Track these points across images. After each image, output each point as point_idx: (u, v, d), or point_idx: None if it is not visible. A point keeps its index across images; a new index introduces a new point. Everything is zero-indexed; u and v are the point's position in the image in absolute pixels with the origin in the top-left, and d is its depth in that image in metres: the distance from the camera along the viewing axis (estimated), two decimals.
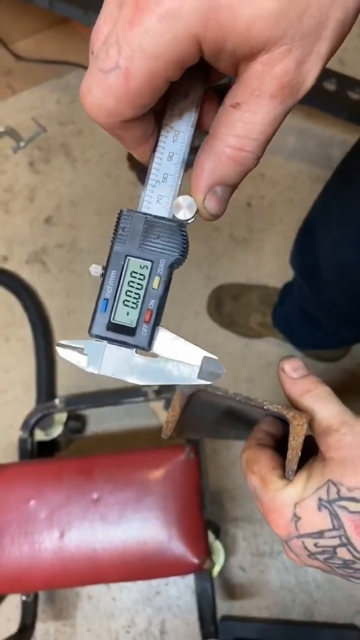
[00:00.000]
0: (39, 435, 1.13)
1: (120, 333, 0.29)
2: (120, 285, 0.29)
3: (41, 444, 1.14)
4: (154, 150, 0.29)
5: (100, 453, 0.94)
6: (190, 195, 0.28)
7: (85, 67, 1.50)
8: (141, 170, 1.44)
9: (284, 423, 0.36)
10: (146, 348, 0.29)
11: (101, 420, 1.27)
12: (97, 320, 0.29)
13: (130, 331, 0.29)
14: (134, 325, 0.29)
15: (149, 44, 0.23)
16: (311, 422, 0.35)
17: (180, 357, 0.29)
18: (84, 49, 1.57)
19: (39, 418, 1.10)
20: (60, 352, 0.30)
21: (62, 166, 1.48)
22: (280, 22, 0.23)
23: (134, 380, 0.29)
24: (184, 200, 0.28)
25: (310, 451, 0.36)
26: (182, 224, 0.29)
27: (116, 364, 0.29)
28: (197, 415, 0.40)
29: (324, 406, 0.35)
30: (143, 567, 0.85)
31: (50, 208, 1.45)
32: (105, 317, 0.29)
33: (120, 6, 0.25)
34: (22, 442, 1.12)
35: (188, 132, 0.29)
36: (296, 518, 0.34)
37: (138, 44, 0.23)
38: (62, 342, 0.30)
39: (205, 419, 0.43)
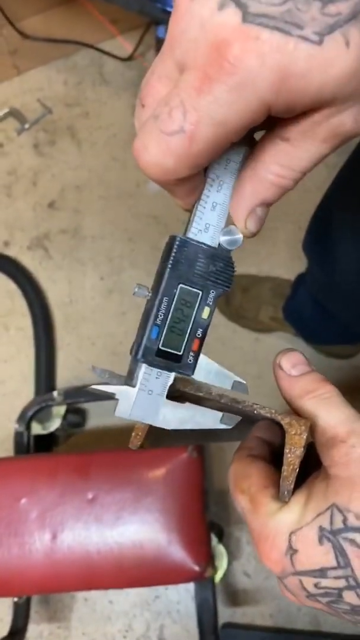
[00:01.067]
0: (36, 429, 1.08)
1: (166, 359, 0.30)
2: (170, 312, 0.29)
3: (38, 437, 1.09)
4: (198, 198, 0.29)
5: (98, 449, 0.89)
6: (231, 217, 0.29)
7: (92, 47, 1.44)
8: None
9: (282, 429, 0.31)
10: (190, 374, 0.30)
11: (102, 415, 1.22)
12: (147, 347, 0.29)
13: (176, 358, 0.30)
14: (180, 353, 0.30)
15: (218, 112, 0.23)
16: (313, 430, 0.30)
17: (214, 382, 0.31)
18: (92, 28, 1.52)
19: (37, 411, 1.05)
20: (94, 392, 0.32)
21: (68, 149, 1.42)
22: (350, 83, 0.23)
23: (162, 425, 0.30)
24: (230, 230, 0.29)
25: (314, 464, 0.30)
26: (229, 254, 0.30)
27: (146, 408, 0.30)
28: None
29: (329, 411, 0.29)
30: (139, 573, 0.79)
31: (54, 192, 1.39)
32: (155, 343, 0.29)
33: (181, 69, 0.24)
34: (18, 436, 1.07)
35: (232, 182, 0.29)
36: (292, 551, 0.28)
37: (206, 110, 0.23)
38: (94, 386, 0.30)
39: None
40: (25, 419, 1.05)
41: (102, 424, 1.22)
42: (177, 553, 0.80)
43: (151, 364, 0.30)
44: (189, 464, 0.85)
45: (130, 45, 1.46)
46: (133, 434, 0.32)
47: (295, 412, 0.31)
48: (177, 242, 0.29)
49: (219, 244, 0.30)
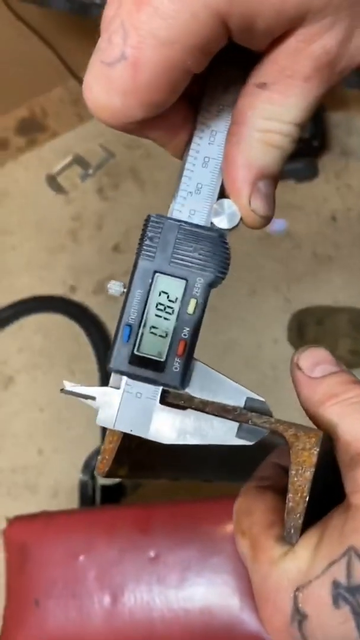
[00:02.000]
0: (102, 480, 1.03)
1: (147, 368, 0.24)
2: (146, 308, 0.24)
3: (105, 488, 1.04)
4: (185, 152, 0.24)
5: (160, 501, 0.82)
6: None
7: None
8: None
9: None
10: (178, 387, 0.24)
11: None
12: (118, 352, 0.24)
13: (158, 366, 0.24)
14: (163, 359, 0.24)
15: (162, 27, 0.19)
16: (334, 446, 0.23)
17: (218, 397, 0.24)
18: None
19: None
20: (69, 394, 0.26)
21: (131, 190, 1.42)
22: None
23: (155, 438, 0.24)
24: (225, 205, 0.24)
25: (342, 495, 0.23)
26: (223, 234, 0.24)
27: (135, 416, 0.24)
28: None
29: (356, 419, 0.22)
30: None
31: (118, 235, 1.39)
32: (128, 347, 0.24)
33: None
34: (82, 486, 1.02)
35: (227, 132, 0.24)
36: (299, 616, 0.21)
37: (148, 28, 0.19)
38: (67, 387, 0.25)
39: (180, 449, 0.31)
40: (90, 467, 1.01)
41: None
42: (251, 621, 0.71)
43: (127, 374, 0.24)
44: None
45: None
46: (99, 457, 0.26)
47: (316, 424, 0.24)
48: (150, 222, 0.24)
49: (212, 223, 0.24)
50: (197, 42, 0.20)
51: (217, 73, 0.24)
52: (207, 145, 0.24)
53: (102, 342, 1.27)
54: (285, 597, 0.21)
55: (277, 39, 0.21)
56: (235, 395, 0.24)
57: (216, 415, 0.24)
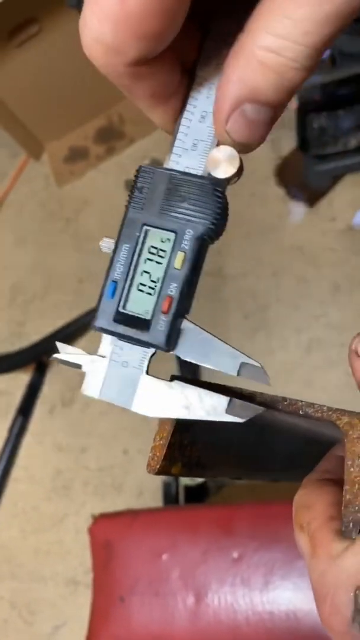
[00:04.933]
0: (185, 480, 1.03)
1: (132, 327, 0.23)
2: (134, 263, 0.23)
3: (189, 489, 1.04)
4: (182, 109, 0.23)
5: (244, 501, 0.81)
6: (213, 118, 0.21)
7: None
8: (292, 185, 1.32)
9: None
10: (163, 347, 0.22)
11: None
12: (103, 309, 0.23)
13: (144, 325, 0.22)
14: (149, 317, 0.22)
15: None
16: None
17: (210, 362, 0.22)
18: None
19: None
20: (58, 361, 0.24)
21: None
22: None
23: (141, 410, 0.23)
24: (221, 151, 0.21)
25: None
26: (218, 183, 0.22)
27: (121, 387, 0.23)
28: (222, 439, 0.28)
29: None
30: None
31: None
32: (113, 305, 0.23)
33: None
34: (166, 487, 1.03)
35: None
36: None
37: None
38: (57, 355, 0.24)
39: (239, 445, 0.30)
40: None
41: None
42: None
43: (110, 332, 0.23)
44: None
45: None
46: (150, 454, 0.25)
47: None
48: (141, 172, 0.22)
49: (209, 174, 0.22)
50: None
51: (215, 28, 0.22)
52: (205, 99, 0.22)
53: None
54: (345, 596, 0.20)
55: None
56: (228, 358, 0.22)
57: (267, 407, 0.23)
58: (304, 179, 1.24)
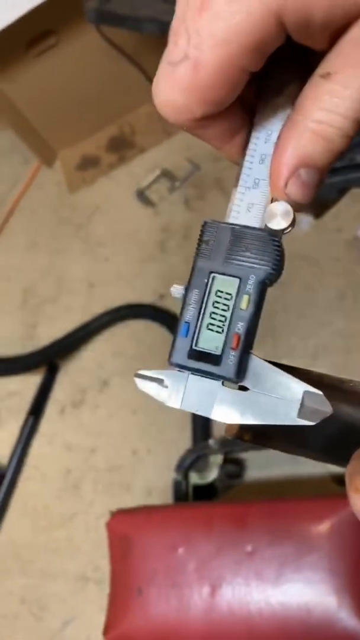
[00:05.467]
0: (194, 479, 1.06)
1: (205, 362, 0.25)
2: (203, 306, 0.26)
3: (198, 488, 1.07)
4: (243, 152, 0.26)
5: (256, 499, 0.84)
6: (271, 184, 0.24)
7: None
8: None
9: None
10: (233, 379, 0.25)
11: (262, 466, 1.16)
12: (178, 347, 0.26)
13: (215, 359, 0.25)
14: (219, 353, 0.25)
15: (219, 28, 0.20)
16: None
17: (276, 392, 0.25)
18: None
19: (193, 460, 1.03)
20: (139, 384, 0.27)
21: (216, 200, 1.46)
22: None
23: (219, 417, 0.25)
24: (278, 206, 0.25)
25: None
26: (274, 234, 0.25)
27: (200, 397, 0.26)
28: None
29: None
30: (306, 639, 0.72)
31: None
32: (187, 343, 0.26)
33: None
34: (176, 485, 1.06)
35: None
36: None
37: (208, 29, 0.21)
38: (140, 372, 0.27)
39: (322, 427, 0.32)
40: (183, 467, 1.04)
41: (262, 475, 1.17)
42: (349, 620, 0.71)
43: (186, 368, 0.25)
44: (357, 518, 0.76)
45: None
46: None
47: None
48: (206, 227, 0.26)
49: (266, 225, 0.25)
50: (253, 40, 0.21)
51: (273, 75, 0.25)
52: (263, 144, 0.25)
53: None
54: None
55: (340, 31, 0.21)
56: (291, 388, 0.25)
57: (326, 385, 0.26)
58: None
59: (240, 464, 1.20)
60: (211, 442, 1.01)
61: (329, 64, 0.22)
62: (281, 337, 1.26)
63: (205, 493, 1.07)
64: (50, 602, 1.19)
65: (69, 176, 1.59)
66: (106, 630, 0.79)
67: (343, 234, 1.27)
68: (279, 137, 0.24)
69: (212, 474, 1.05)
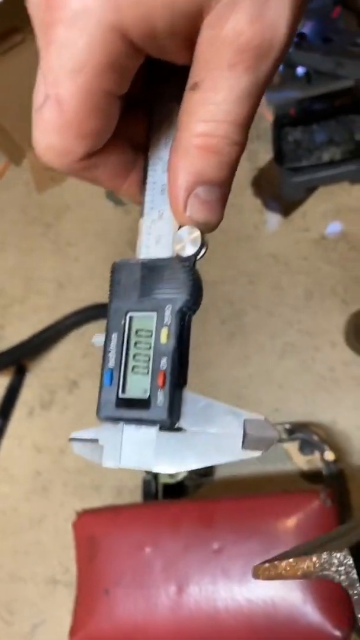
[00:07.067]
0: (164, 478, 1.06)
1: (135, 408, 0.23)
2: (124, 349, 0.24)
3: (168, 487, 1.07)
4: (143, 186, 0.25)
5: (222, 496, 0.84)
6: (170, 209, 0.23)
7: None
8: (268, 195, 1.37)
9: None
10: (166, 421, 0.23)
11: (229, 464, 1.17)
12: (104, 399, 0.24)
13: (145, 404, 0.23)
14: (147, 396, 0.23)
15: (67, 57, 0.19)
16: None
17: (215, 426, 0.22)
18: None
19: None
20: (75, 448, 0.26)
21: None
22: None
23: (162, 469, 0.23)
24: (183, 232, 0.23)
25: None
26: (185, 260, 0.24)
27: (140, 449, 0.23)
28: None
29: None
30: (271, 635, 0.72)
31: None
32: (113, 392, 0.24)
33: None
34: (146, 484, 1.06)
35: None
36: None
37: (58, 63, 0.20)
38: (74, 435, 0.25)
39: None
40: None
41: (231, 474, 1.17)
42: (314, 615, 0.72)
43: (116, 419, 0.24)
44: (321, 513, 0.77)
45: None
46: None
47: None
48: (115, 268, 0.25)
49: (177, 254, 0.24)
50: (105, 60, 0.20)
51: (159, 105, 0.25)
52: (162, 174, 0.25)
53: None
54: None
55: (194, 38, 0.20)
56: (231, 418, 0.22)
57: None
58: (280, 190, 1.30)
59: None
60: None
61: (194, 73, 0.21)
62: (250, 335, 1.27)
63: (175, 492, 1.07)
64: (19, 606, 1.17)
65: (38, 175, 1.57)
66: (72, 632, 0.78)
67: (310, 233, 1.29)
68: (168, 161, 0.23)
69: (182, 473, 1.05)
